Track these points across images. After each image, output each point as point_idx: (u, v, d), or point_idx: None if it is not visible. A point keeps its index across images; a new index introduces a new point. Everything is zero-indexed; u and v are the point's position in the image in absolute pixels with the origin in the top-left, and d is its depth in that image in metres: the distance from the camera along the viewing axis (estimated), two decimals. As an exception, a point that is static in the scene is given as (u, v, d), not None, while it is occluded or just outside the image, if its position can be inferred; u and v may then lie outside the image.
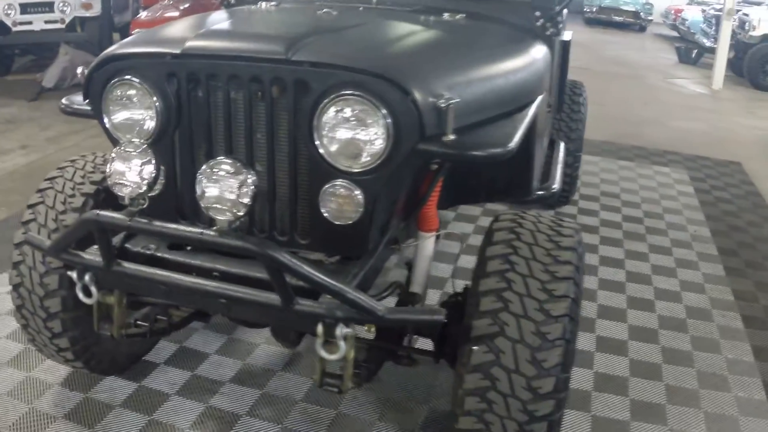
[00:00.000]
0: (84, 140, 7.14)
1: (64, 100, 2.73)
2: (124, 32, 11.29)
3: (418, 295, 2.72)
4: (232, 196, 2.08)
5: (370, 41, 2.62)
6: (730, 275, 4.95)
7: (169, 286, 2.31)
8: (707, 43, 15.41)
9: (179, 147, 2.46)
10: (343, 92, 2.18)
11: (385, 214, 2.41)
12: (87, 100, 2.55)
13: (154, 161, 2.23)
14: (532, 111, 2.64)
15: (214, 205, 2.09)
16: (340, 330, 2.15)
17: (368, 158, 2.22)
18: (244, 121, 2.37)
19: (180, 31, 2.68)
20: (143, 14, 9.38)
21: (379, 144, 2.20)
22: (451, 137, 2.16)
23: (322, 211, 2.31)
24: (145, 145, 2.24)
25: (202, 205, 2.12)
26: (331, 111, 2.21)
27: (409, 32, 2.82)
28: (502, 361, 2.11)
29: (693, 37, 16.47)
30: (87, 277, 2.44)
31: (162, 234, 2.23)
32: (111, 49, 2.52)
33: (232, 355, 3.55)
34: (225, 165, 2.10)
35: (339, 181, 2.27)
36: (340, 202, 2.28)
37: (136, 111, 2.43)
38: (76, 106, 2.68)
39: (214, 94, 2.37)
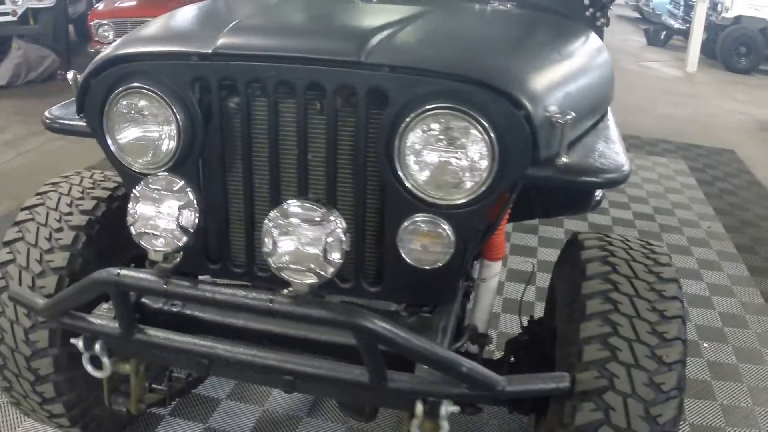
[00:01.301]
0: (46, 143, 6.56)
1: (47, 114, 2.25)
2: (79, 25, 10.66)
3: (488, 336, 2.34)
4: (317, 252, 1.64)
5: (453, 38, 2.15)
6: (755, 275, 4.71)
7: (212, 359, 1.87)
8: (675, 24, 15.28)
9: (206, 173, 2.02)
10: (434, 105, 1.76)
11: (473, 251, 2.00)
12: (81, 115, 2.10)
13: (196, 203, 1.78)
14: (612, 121, 2.26)
15: (291, 265, 1.65)
16: (445, 408, 1.76)
17: (466, 188, 1.82)
18: (295, 140, 1.92)
19: (203, 23, 2.23)
20: (100, 5, 8.76)
21: (480, 170, 1.79)
22: (565, 160, 1.78)
23: (401, 253, 1.89)
24: (182, 182, 1.78)
25: (273, 264, 1.67)
26: (419, 129, 1.79)
27: (485, 26, 2.39)
28: (612, 419, 1.78)
29: (659, 19, 16.32)
30: (98, 347, 2.01)
31: (215, 302, 1.75)
32: (113, 49, 2.05)
33: (247, 400, 3.10)
34: (305, 209, 1.65)
35: (423, 217, 1.86)
36: (426, 242, 1.86)
37: (149, 128, 1.98)
38: (64, 122, 2.20)
39: (256, 105, 1.93)
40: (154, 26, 2.27)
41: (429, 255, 1.88)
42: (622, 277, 1.98)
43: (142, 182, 1.81)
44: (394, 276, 1.96)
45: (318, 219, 1.63)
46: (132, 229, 1.81)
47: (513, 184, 1.85)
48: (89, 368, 2.06)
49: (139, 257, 2.39)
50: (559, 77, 2.01)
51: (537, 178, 1.81)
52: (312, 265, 1.63)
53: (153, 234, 1.79)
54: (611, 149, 1.96)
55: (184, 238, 1.77)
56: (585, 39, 2.54)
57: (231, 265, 2.10)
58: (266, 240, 1.66)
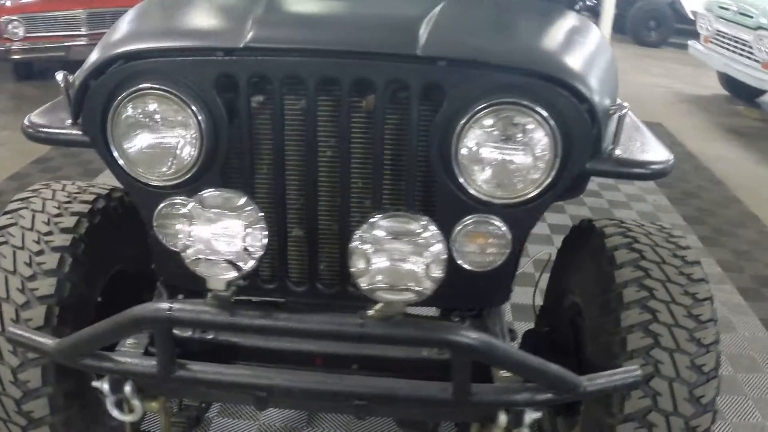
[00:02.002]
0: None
1: (27, 122, 1.99)
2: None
3: (514, 331, 2.28)
4: (417, 268, 1.50)
5: (498, 27, 2.04)
6: (707, 245, 4.84)
7: (272, 391, 1.69)
8: (587, 1, 15.56)
9: (228, 182, 1.85)
10: (497, 100, 1.68)
11: (521, 249, 1.95)
12: (78, 121, 1.87)
13: (263, 221, 1.59)
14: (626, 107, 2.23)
15: (383, 284, 1.51)
16: (529, 416, 1.69)
17: (527, 186, 1.75)
18: (336, 142, 1.79)
19: (222, 12, 1.99)
20: (7, 1, 8.24)
21: (543, 167, 1.73)
22: (619, 152, 1.76)
23: (455, 256, 1.80)
24: (245, 198, 1.58)
25: (363, 285, 1.52)
26: (479, 126, 1.70)
27: (514, 13, 2.28)
28: (660, 404, 1.81)
29: (569, -3, 16.61)
30: (128, 388, 1.78)
31: (297, 332, 1.60)
32: (114, 44, 1.82)
33: (239, 416, 2.90)
34: (399, 222, 1.51)
35: (479, 217, 1.78)
36: (482, 243, 1.80)
37: (165, 134, 1.78)
38: (52, 131, 1.94)
39: (293, 105, 1.77)
40: (156, 17, 2.05)
41: (485, 257, 1.82)
42: (651, 263, 1.98)
43: (195, 200, 1.58)
44: (447, 281, 1.86)
45: (417, 231, 1.51)
46: (185, 255, 1.59)
47: (570, 179, 1.79)
48: (115, 413, 1.82)
49: (120, 273, 2.24)
50: (601, 68, 1.97)
51: (594, 171, 1.78)
52: (411, 283, 1.51)
53: (214, 261, 1.57)
54: (648, 140, 1.95)
55: (251, 262, 1.58)
56: (594, 28, 2.49)
57: (260, 280, 1.95)
58: (356, 259, 1.52)
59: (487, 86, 1.70)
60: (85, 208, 2.13)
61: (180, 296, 1.89)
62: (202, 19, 2.01)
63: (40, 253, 1.98)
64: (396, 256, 1.51)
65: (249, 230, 1.56)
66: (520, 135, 1.71)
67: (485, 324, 1.98)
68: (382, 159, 1.79)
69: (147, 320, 1.64)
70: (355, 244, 1.52)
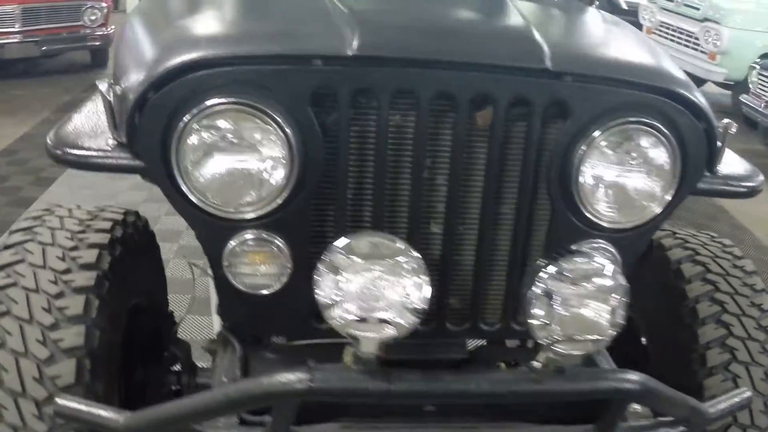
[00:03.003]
0: None
1: (52, 140, 1.64)
2: None
3: None
4: (599, 317, 1.37)
5: (609, 39, 1.91)
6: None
7: None
8: None
9: (318, 209, 1.61)
10: (625, 119, 1.55)
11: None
12: (130, 142, 1.54)
13: (425, 268, 1.36)
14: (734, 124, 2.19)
15: (561, 336, 1.36)
16: None
17: (645, 209, 1.63)
18: (447, 161, 1.59)
19: (303, 14, 1.73)
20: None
21: (661, 189, 1.61)
22: (723, 171, 1.70)
23: None
24: (404, 245, 1.35)
25: (542, 338, 1.37)
26: (603, 145, 1.57)
27: (601, 23, 2.13)
28: (739, 419, 1.77)
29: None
30: None
31: (465, 395, 1.43)
32: (183, 47, 1.52)
33: None
34: (584, 264, 1.37)
35: (590, 243, 1.66)
36: None
37: (246, 158, 1.51)
38: (92, 154, 1.59)
39: (402, 121, 1.55)
40: (230, 15, 1.76)
41: None
42: (717, 276, 1.94)
43: (339, 248, 1.34)
44: None
45: (604, 272, 1.37)
46: (330, 314, 1.35)
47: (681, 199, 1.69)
48: None
49: (134, 307, 1.96)
50: None
51: (705, 191, 1.70)
52: (593, 334, 1.37)
53: (370, 319, 1.34)
54: (730, 156, 1.85)
55: (414, 319, 1.35)
56: None
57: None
58: (533, 308, 1.36)
59: (612, 103, 1.56)
60: (103, 238, 1.80)
61: (311, 363, 1.44)
62: (289, 20, 1.72)
63: (60, 295, 1.64)
64: (578, 303, 1.36)
65: (410, 280, 1.34)
66: (642, 155, 1.60)
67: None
68: (497, 181, 1.61)
69: (281, 394, 1.38)
70: (533, 291, 1.36)
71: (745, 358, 1.81)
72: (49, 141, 1.64)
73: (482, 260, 1.67)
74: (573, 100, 1.55)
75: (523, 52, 1.55)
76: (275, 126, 1.47)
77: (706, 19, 8.07)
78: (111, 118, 1.56)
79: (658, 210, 1.64)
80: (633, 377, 1.45)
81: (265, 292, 1.62)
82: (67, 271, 1.70)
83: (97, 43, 7.72)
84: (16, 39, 7.22)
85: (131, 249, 1.92)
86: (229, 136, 1.49)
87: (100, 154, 1.58)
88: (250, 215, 1.55)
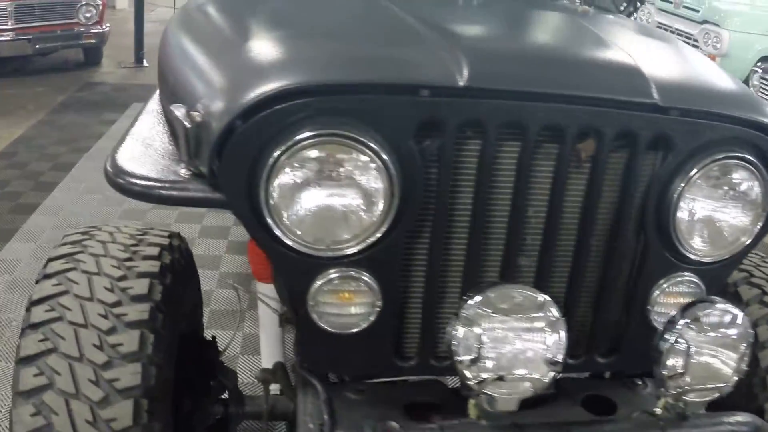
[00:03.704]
0: None
1: (112, 167, 1.53)
2: None
3: None
4: (725, 364, 1.39)
5: (694, 68, 1.85)
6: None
7: None
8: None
9: (410, 246, 1.56)
10: (725, 154, 1.54)
11: None
12: (212, 174, 1.43)
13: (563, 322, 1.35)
14: None
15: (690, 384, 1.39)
16: None
17: (735, 243, 1.63)
18: (545, 196, 1.55)
19: (402, 42, 1.64)
20: None
21: (751, 222, 1.60)
22: None
23: (650, 316, 1.67)
24: (545, 297, 1.34)
25: (672, 388, 1.38)
26: (700, 180, 1.55)
27: (665, 46, 2.07)
28: None
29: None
30: None
31: None
32: (275, 73, 1.42)
33: None
34: (724, 314, 1.39)
35: (680, 276, 1.65)
36: (681, 302, 1.63)
37: (343, 192, 1.43)
38: (165, 185, 1.48)
39: (502, 153, 1.50)
40: (311, 39, 1.66)
41: None
42: None
43: (477, 302, 1.33)
44: (634, 343, 1.71)
45: (738, 323, 1.38)
46: (469, 372, 1.33)
47: None
48: None
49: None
50: None
51: None
52: (719, 382, 1.39)
53: (516, 377, 1.33)
54: None
55: (552, 373, 1.35)
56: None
57: (420, 359, 1.66)
58: (667, 359, 1.37)
59: (712, 138, 1.54)
60: (153, 265, 1.71)
61: (436, 419, 1.52)
62: (385, 44, 1.65)
63: (112, 331, 1.54)
64: (709, 352, 1.37)
65: (552, 335, 1.33)
66: (737, 189, 1.58)
67: None
68: (593, 212, 1.58)
69: None
70: (665, 341, 1.38)
71: None
72: (108, 168, 1.54)
73: (573, 293, 1.64)
74: (676, 134, 1.52)
75: (632, 85, 1.52)
76: (376, 158, 1.39)
77: (705, 21, 8.04)
78: (187, 147, 1.44)
79: (747, 242, 1.62)
80: (745, 419, 1.49)
81: (353, 330, 1.54)
82: (118, 303, 1.60)
83: (92, 41, 7.55)
84: (8, 36, 7.02)
85: (179, 275, 1.83)
86: (325, 169, 1.40)
87: (173, 185, 1.48)
88: (343, 252, 1.47)
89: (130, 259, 1.74)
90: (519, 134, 1.47)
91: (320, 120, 1.38)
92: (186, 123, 1.42)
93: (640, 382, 1.80)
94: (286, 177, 1.39)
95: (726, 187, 1.59)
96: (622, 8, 2.90)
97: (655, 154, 1.56)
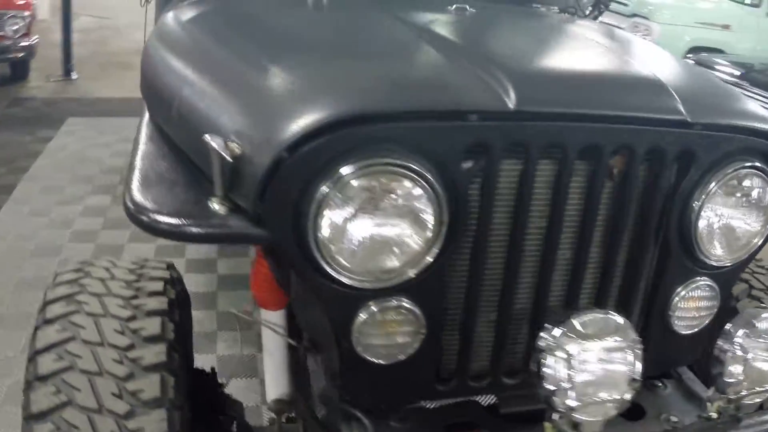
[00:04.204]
0: None
1: (133, 203, 1.43)
2: None
3: None
4: None
5: (709, 82, 1.91)
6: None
7: None
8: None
9: (455, 272, 1.54)
10: (742, 165, 1.60)
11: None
12: (255, 210, 1.36)
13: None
14: None
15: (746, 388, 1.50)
16: None
17: (749, 247, 1.69)
18: (579, 213, 1.57)
19: (440, 67, 1.61)
20: None
21: (761, 224, 1.68)
22: None
23: (672, 322, 1.71)
24: (623, 320, 1.40)
25: (731, 393, 1.49)
26: (722, 190, 1.60)
27: (667, 61, 2.10)
28: None
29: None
30: None
31: None
32: (323, 104, 1.36)
33: None
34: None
35: (699, 281, 1.70)
36: (698, 305, 1.72)
37: (393, 222, 1.39)
38: (198, 222, 1.38)
39: (547, 174, 1.51)
40: (349, 62, 1.62)
41: (697, 320, 1.75)
42: None
43: (566, 331, 1.37)
44: (656, 347, 1.73)
45: None
46: (556, 399, 1.35)
47: None
48: None
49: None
50: None
51: None
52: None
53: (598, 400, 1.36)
54: None
55: (633, 392, 1.39)
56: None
57: (460, 382, 1.65)
58: (727, 366, 1.49)
59: (730, 149, 1.60)
60: (161, 303, 1.63)
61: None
62: (425, 69, 1.63)
63: (129, 377, 1.45)
64: (763, 356, 1.48)
65: (631, 355, 1.40)
66: (751, 196, 1.65)
67: (685, 385, 1.88)
68: (622, 227, 1.61)
69: None
70: (724, 350, 1.48)
71: None
72: (129, 206, 1.43)
73: (600, 304, 1.67)
74: (699, 148, 1.57)
75: (663, 103, 1.56)
76: (425, 185, 1.36)
77: (635, 15, 8.25)
78: (223, 180, 1.36)
79: (759, 243, 1.69)
80: None
81: (398, 359, 1.51)
82: (131, 346, 1.51)
83: (20, 55, 7.17)
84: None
85: (183, 309, 1.75)
86: (374, 199, 1.36)
87: (208, 221, 1.38)
88: (391, 283, 1.43)
89: (135, 297, 1.65)
90: (558, 154, 1.49)
91: (368, 149, 1.33)
92: (226, 156, 1.32)
93: (660, 384, 1.85)
94: (335, 210, 1.34)
95: (740, 194, 1.64)
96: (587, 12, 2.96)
97: (678, 167, 1.60)
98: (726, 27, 8.73)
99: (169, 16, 2.17)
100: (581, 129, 1.48)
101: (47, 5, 10.93)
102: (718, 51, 8.15)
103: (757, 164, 1.62)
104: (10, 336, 3.18)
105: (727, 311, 1.91)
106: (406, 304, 1.47)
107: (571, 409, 1.35)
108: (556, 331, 1.38)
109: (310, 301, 1.58)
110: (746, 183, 1.63)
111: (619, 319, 1.42)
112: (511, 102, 1.42)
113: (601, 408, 1.38)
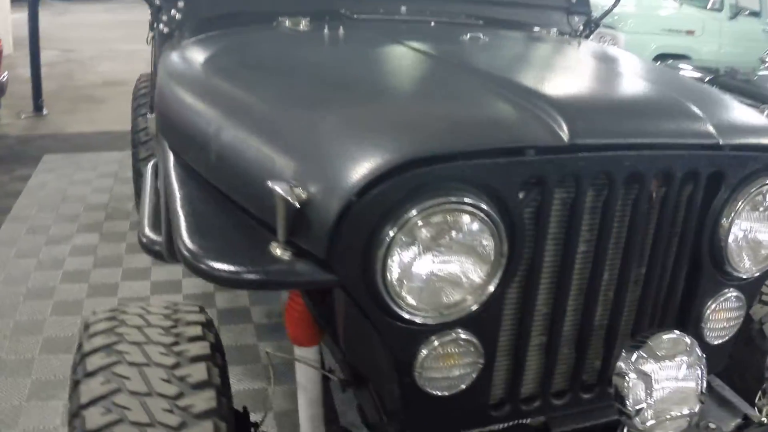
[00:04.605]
0: None
1: (188, 253, 1.42)
2: None
3: None
4: None
5: (725, 103, 1.96)
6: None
7: None
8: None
9: (511, 302, 1.58)
10: (764, 180, 1.68)
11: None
12: (325, 253, 1.37)
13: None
14: None
15: None
16: None
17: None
18: (628, 234, 1.64)
19: (488, 102, 1.65)
20: None
21: None
22: None
23: (703, 333, 1.78)
24: (689, 338, 1.51)
25: None
26: (747, 206, 1.68)
27: (687, 84, 2.20)
28: None
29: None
30: None
31: None
32: (392, 145, 1.37)
33: None
34: None
35: (728, 292, 1.78)
36: (728, 315, 1.79)
37: (457, 258, 1.42)
38: (261, 269, 1.39)
39: (595, 202, 1.57)
40: (408, 102, 1.68)
41: (726, 330, 1.83)
42: None
43: (644, 354, 1.46)
44: None
45: None
46: (639, 419, 1.43)
47: None
48: None
49: None
50: None
51: None
52: None
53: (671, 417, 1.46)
54: None
55: (699, 406, 1.49)
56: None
57: (514, 413, 1.69)
58: None
59: (755, 167, 1.68)
60: (203, 347, 1.62)
61: None
62: (483, 110, 1.63)
63: (182, 426, 1.44)
64: None
65: (699, 371, 1.51)
66: None
67: (716, 392, 2.01)
68: (662, 246, 1.69)
69: None
70: None
71: None
72: (186, 254, 1.43)
73: (640, 321, 1.75)
74: (728, 168, 1.64)
75: (697, 129, 1.63)
76: (488, 220, 1.39)
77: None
78: (286, 225, 1.37)
79: None
80: None
81: (460, 388, 1.54)
82: (180, 395, 1.50)
83: (-10, 92, 7.10)
84: None
85: (220, 351, 1.74)
86: (440, 237, 1.38)
87: (273, 267, 1.39)
88: (452, 317, 1.46)
89: (175, 343, 1.64)
90: (606, 182, 1.55)
91: (433, 189, 1.35)
92: (292, 201, 1.33)
93: None
94: (403, 251, 1.36)
95: (763, 209, 1.71)
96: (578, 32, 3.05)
97: (709, 187, 1.66)
98: (690, 32, 8.94)
99: (181, 55, 2.18)
100: (627, 157, 1.53)
101: (10, 39, 10.79)
102: (684, 56, 8.35)
103: None
104: (13, 383, 3.13)
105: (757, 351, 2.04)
106: (465, 335, 1.50)
107: (650, 427, 1.42)
108: (635, 354, 1.45)
109: (367, 339, 1.58)
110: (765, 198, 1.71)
111: (687, 339, 1.50)
112: (565, 136, 1.48)
113: (675, 423, 1.46)
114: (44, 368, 3.24)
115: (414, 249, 1.37)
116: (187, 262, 1.43)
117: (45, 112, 7.85)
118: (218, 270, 1.39)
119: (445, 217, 1.37)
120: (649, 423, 1.43)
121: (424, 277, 1.40)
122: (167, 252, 2.13)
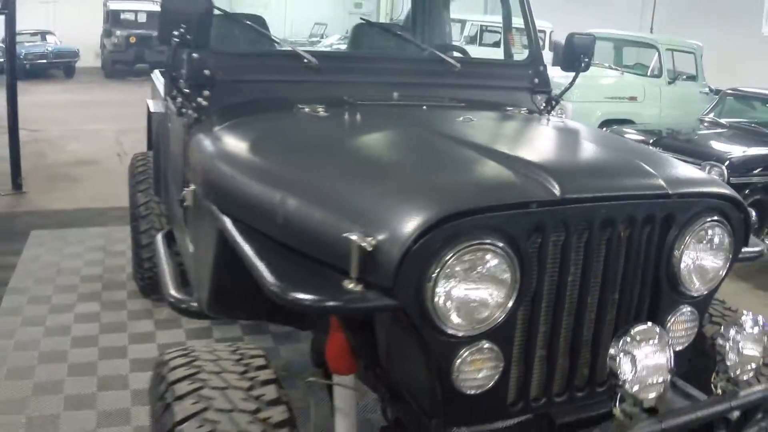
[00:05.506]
0: None
1: (276, 289, 1.87)
2: None
3: None
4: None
5: (667, 160, 2.54)
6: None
7: None
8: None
9: (522, 317, 2.04)
10: (707, 220, 2.19)
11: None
12: (392, 286, 1.81)
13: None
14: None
15: None
16: None
17: (715, 277, 2.28)
18: (603, 266, 2.12)
19: (500, 168, 2.14)
20: None
21: (722, 261, 2.26)
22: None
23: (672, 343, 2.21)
24: (657, 328, 1.97)
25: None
26: (693, 240, 2.19)
27: (628, 146, 2.85)
28: None
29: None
30: None
31: None
32: (441, 202, 1.87)
33: None
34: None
35: (683, 307, 2.28)
36: (685, 326, 2.31)
37: (485, 286, 1.89)
38: (342, 297, 1.83)
39: (579, 242, 2.06)
40: (444, 167, 2.20)
41: (684, 338, 2.33)
42: None
43: (629, 341, 1.90)
44: None
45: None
46: (629, 386, 1.88)
47: None
48: None
49: None
50: None
51: (745, 255, 2.39)
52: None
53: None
54: None
55: (669, 377, 1.93)
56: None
57: (524, 409, 2.14)
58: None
59: (697, 209, 2.19)
60: (279, 391, 1.97)
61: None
62: (499, 177, 2.12)
63: None
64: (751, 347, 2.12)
65: (668, 351, 1.95)
66: (714, 240, 2.24)
67: (680, 389, 2.43)
68: (633, 275, 2.18)
69: None
70: (729, 343, 2.06)
71: None
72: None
73: (610, 334, 2.18)
74: (677, 212, 2.15)
75: (652, 183, 2.14)
76: (505, 256, 1.88)
77: (549, 95, 9.03)
78: (359, 265, 1.81)
79: (723, 274, 2.29)
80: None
81: (487, 386, 2.00)
82: (258, 410, 1.87)
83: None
84: None
85: (277, 379, 2.09)
86: (472, 270, 1.86)
87: (348, 296, 1.83)
88: (480, 330, 1.92)
89: (251, 388, 1.96)
90: (587, 227, 2.04)
91: (463, 235, 1.84)
92: (366, 247, 1.80)
93: None
94: (444, 282, 1.84)
95: (706, 242, 2.23)
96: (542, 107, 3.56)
97: (663, 227, 2.16)
98: (633, 98, 9.72)
99: (222, 139, 2.65)
100: (603, 207, 2.05)
101: (-19, 119, 10.97)
102: (629, 121, 9.04)
103: (716, 218, 2.20)
104: (44, 438, 3.37)
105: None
106: (488, 345, 1.96)
107: (636, 391, 1.88)
108: (621, 341, 1.91)
109: (409, 354, 2.04)
110: (710, 233, 2.21)
111: (657, 329, 1.95)
112: (557, 192, 1.98)
113: (653, 388, 1.90)
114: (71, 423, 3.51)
115: (452, 281, 1.85)
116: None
117: (24, 189, 8.09)
118: (303, 300, 1.84)
119: (474, 255, 1.85)
120: (635, 388, 1.87)
121: (461, 300, 1.87)
122: (208, 304, 2.52)
